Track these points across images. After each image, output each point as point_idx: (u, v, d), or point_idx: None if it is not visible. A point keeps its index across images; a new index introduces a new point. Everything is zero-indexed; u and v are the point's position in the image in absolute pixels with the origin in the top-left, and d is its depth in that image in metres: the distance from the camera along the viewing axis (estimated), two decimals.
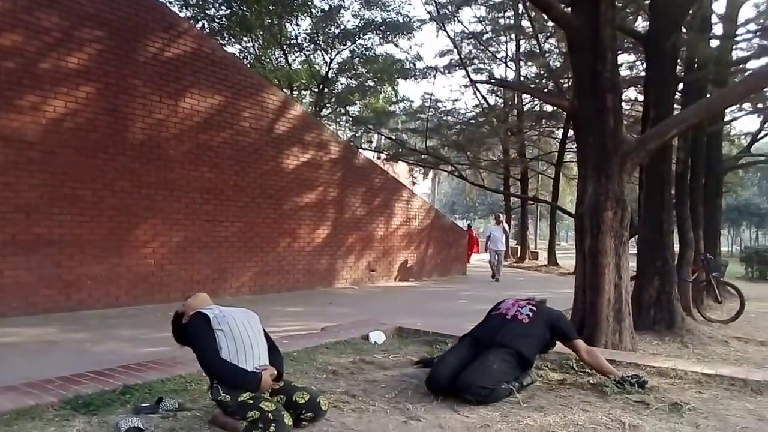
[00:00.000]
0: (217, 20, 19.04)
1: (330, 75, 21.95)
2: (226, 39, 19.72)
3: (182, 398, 3.25)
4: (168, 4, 13.65)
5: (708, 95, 9.09)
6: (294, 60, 22.34)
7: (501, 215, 15.92)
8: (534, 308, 3.99)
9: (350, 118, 24.26)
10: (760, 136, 15.93)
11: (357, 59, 21.72)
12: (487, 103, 23.20)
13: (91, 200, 7.43)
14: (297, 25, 21.02)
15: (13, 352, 4.88)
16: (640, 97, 15.16)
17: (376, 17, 20.88)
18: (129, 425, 2.73)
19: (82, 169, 7.33)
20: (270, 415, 2.64)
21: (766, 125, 15.77)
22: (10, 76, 6.62)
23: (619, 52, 10.39)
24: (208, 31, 18.29)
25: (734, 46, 11.15)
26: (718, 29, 10.94)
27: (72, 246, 7.23)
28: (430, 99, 22.11)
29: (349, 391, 3.54)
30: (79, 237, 7.29)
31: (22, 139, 6.74)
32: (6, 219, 6.61)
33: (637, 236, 7.52)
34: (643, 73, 14.16)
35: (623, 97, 7.37)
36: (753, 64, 10.28)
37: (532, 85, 20.47)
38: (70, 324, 6.37)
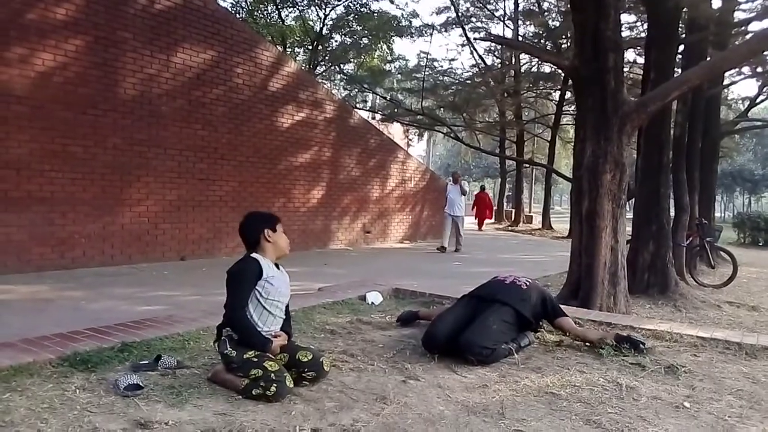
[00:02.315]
0: None
1: (324, 32, 21.54)
2: None
3: (180, 356, 3.24)
4: None
5: (708, 57, 8.97)
6: (287, 16, 21.90)
7: (458, 172, 13.76)
8: (529, 281, 4.10)
9: (345, 77, 23.91)
10: (758, 100, 15.82)
11: (352, 16, 21.30)
12: (485, 63, 22.88)
13: (83, 157, 7.31)
14: None
15: (7, 310, 4.85)
16: (639, 59, 15.02)
17: None
18: (128, 382, 2.72)
19: (73, 125, 7.18)
20: (273, 375, 2.64)
21: (764, 90, 15.66)
22: None
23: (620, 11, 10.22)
24: None
25: (736, 7, 10.97)
26: None
27: (64, 203, 7.14)
28: (426, 58, 21.85)
29: (348, 351, 3.55)
30: (71, 194, 7.20)
31: (10, 93, 6.57)
32: None
33: (633, 200, 7.51)
34: (642, 35, 13.97)
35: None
36: (755, 26, 10.15)
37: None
38: (64, 282, 6.34)
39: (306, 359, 2.88)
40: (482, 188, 23.14)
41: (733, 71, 13.74)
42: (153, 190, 8.15)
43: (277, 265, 3.09)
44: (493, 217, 23.79)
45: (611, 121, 5.40)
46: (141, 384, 2.73)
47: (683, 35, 9.02)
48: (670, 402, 2.87)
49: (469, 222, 22.82)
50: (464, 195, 12.30)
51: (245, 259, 2.97)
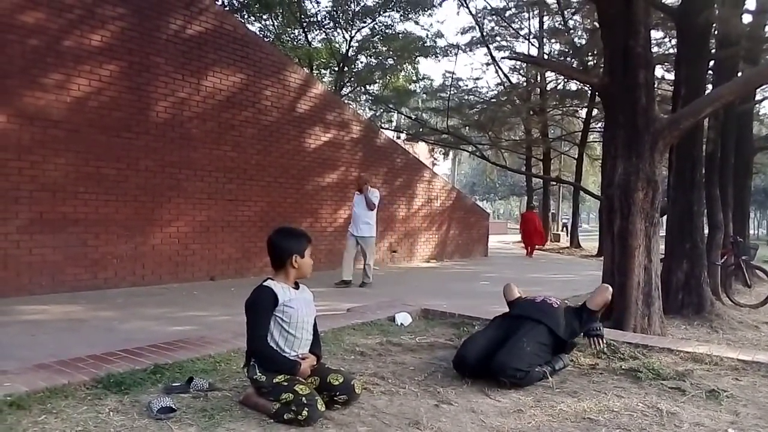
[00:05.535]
0: None
1: (350, 53, 21.75)
2: (246, 17, 19.60)
3: (212, 378, 3.24)
4: None
5: (740, 73, 8.82)
6: (314, 38, 22.19)
7: (363, 176, 9.30)
8: (559, 300, 4.06)
9: (370, 97, 24.07)
10: None
11: (377, 37, 21.50)
12: (510, 81, 22.85)
13: (116, 179, 7.45)
14: (317, 2, 20.90)
15: (43, 330, 4.93)
16: (667, 75, 14.86)
17: None
18: (161, 405, 2.72)
19: (107, 148, 7.34)
20: (304, 399, 2.62)
21: None
22: (34, 53, 6.61)
23: None
24: (228, 9, 18.18)
25: None
26: (750, 3, 10.62)
27: (97, 225, 7.28)
28: (451, 77, 21.88)
29: (378, 373, 3.52)
30: (104, 216, 7.34)
31: (47, 118, 6.75)
32: (33, 197, 6.66)
33: (666, 217, 7.37)
34: (670, 51, 13.83)
35: None
36: None
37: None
38: (97, 302, 6.43)
39: (337, 382, 2.85)
40: (530, 207, 20.31)
41: (765, 86, 13.50)
42: (183, 211, 8.26)
43: (297, 285, 3.05)
44: (545, 241, 20.51)
45: (643, 138, 5.32)
46: (174, 407, 2.73)
47: (713, 50, 8.90)
48: (714, 429, 2.77)
49: (496, 240, 22.61)
50: (372, 210, 8.76)
51: (259, 288, 2.93)
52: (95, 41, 7.15)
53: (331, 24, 21.28)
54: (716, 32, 8.47)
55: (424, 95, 24.59)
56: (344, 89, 22.55)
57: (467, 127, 21.50)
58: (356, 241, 8.72)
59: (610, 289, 4.11)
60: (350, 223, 8.92)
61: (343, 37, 21.78)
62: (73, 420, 2.60)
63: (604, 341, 4.00)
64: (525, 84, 23.30)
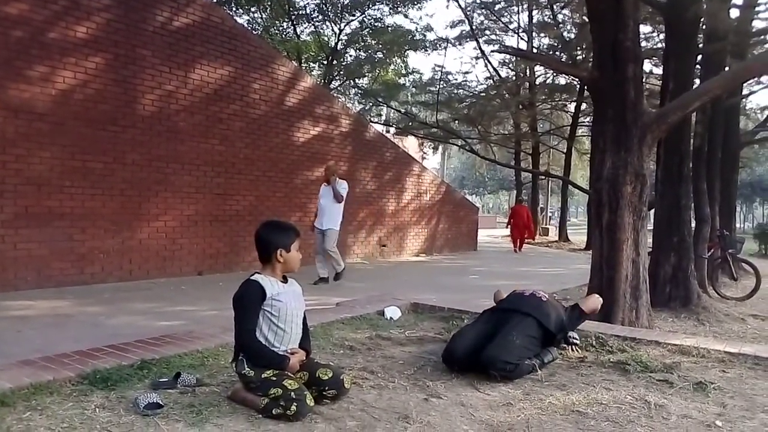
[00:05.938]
0: None
1: (339, 47, 21.65)
2: (234, 10, 19.43)
3: (200, 373, 3.21)
4: None
5: (727, 67, 8.88)
6: (302, 31, 22.04)
7: (331, 167, 8.45)
8: (547, 295, 4.10)
9: (360, 91, 23.99)
10: None
11: (366, 30, 21.40)
12: (499, 75, 22.86)
13: (102, 173, 7.37)
14: None
15: (28, 325, 4.87)
16: (655, 70, 14.93)
17: None
18: (148, 401, 2.69)
19: (93, 142, 7.26)
20: (292, 393, 2.60)
21: None
22: (18, 45, 6.51)
23: None
24: (215, 1, 18.01)
25: (754, 17, 10.89)
26: None
27: (84, 219, 7.20)
28: (441, 71, 21.81)
29: (368, 368, 3.51)
30: (90, 210, 7.26)
31: (32, 111, 6.66)
32: (18, 191, 6.58)
33: (653, 211, 7.41)
34: (659, 45, 13.89)
35: None
36: None
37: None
38: (83, 297, 6.36)
39: (326, 377, 2.83)
40: (519, 201, 19.78)
41: (751, 81, 13.62)
42: (171, 206, 8.19)
43: (285, 278, 3.03)
44: (534, 235, 20.05)
45: (631, 132, 5.33)
46: (161, 402, 2.70)
47: (701, 45, 8.95)
48: (701, 420, 2.79)
49: (485, 234, 22.65)
50: (340, 202, 8.16)
51: (247, 282, 2.90)
52: (80, 33, 7.05)
53: (320, 17, 21.15)
54: (704, 27, 8.51)
55: (414, 89, 24.55)
56: (333, 83, 22.45)
57: (456, 121, 21.50)
58: (323, 235, 8.10)
59: (601, 299, 4.37)
60: (315, 217, 8.28)
61: (332, 30, 21.69)
62: (59, 416, 2.57)
63: (578, 351, 4.05)
64: (514, 78, 23.32)
